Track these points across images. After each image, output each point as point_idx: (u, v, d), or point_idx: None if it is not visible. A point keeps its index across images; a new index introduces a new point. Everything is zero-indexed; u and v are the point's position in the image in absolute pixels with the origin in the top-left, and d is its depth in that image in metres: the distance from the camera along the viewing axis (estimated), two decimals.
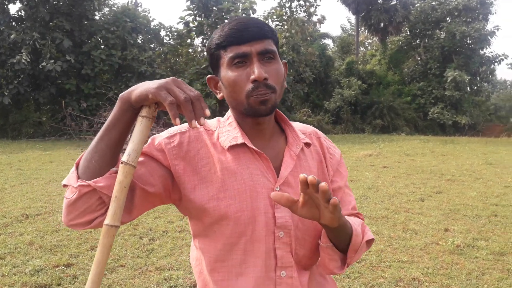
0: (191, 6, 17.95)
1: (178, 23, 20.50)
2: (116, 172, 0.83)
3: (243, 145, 0.96)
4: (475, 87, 22.54)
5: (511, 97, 30.94)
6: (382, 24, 24.22)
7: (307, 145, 1.04)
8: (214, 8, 17.61)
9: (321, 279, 1.06)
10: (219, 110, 15.68)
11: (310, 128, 1.12)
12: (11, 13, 16.66)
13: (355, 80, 21.01)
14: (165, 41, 19.93)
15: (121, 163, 0.80)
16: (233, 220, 0.93)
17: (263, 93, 0.91)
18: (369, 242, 1.01)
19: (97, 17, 17.88)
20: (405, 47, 24.41)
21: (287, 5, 19.82)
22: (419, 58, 24.11)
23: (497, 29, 21.92)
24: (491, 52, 22.66)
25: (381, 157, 10.55)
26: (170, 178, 0.95)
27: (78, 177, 0.85)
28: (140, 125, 0.81)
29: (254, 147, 0.96)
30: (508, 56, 22.89)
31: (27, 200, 5.51)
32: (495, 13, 37.61)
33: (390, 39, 25.25)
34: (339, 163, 1.10)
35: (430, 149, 12.58)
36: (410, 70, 23.82)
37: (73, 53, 16.07)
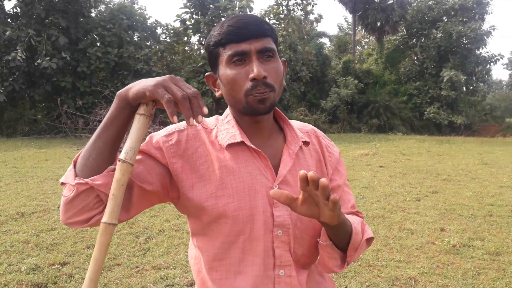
0: (188, 4, 17.89)
1: (174, 21, 20.42)
2: (114, 170, 0.82)
3: (242, 143, 0.96)
4: (471, 87, 22.63)
5: (506, 97, 31.13)
6: (379, 23, 24.25)
7: (306, 143, 1.04)
8: (211, 6, 17.56)
9: (320, 278, 1.06)
10: (215, 108, 15.66)
11: (308, 126, 1.12)
12: (6, 10, 16.55)
13: (352, 79, 21.03)
14: (161, 39, 19.87)
15: (119, 161, 0.80)
16: (232, 219, 0.93)
17: (262, 91, 0.90)
18: (369, 240, 1.01)
19: (93, 14, 17.80)
20: (401, 46, 24.46)
21: (284, 3, 19.80)
22: (415, 58, 24.17)
23: (493, 29, 22.00)
24: (487, 52, 22.75)
25: (378, 157, 10.58)
26: (168, 176, 0.94)
27: (76, 175, 0.84)
28: (137, 123, 0.81)
29: (252, 146, 0.95)
30: (504, 56, 23.02)
31: (22, 198, 5.48)
32: (491, 13, 37.82)
33: (386, 38, 25.29)
34: (338, 162, 1.09)
35: (426, 149, 12.62)
36: (407, 69, 23.88)
37: (68, 51, 15.98)
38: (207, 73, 1.02)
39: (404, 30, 24.59)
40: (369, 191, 6.30)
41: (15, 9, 16.50)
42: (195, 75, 16.71)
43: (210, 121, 1.03)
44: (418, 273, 3.30)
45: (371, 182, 7.08)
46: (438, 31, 22.67)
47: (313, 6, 20.57)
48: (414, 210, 5.23)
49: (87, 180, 0.82)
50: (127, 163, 0.80)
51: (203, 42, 18.80)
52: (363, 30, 26.94)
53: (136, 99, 0.80)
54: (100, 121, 14.52)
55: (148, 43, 19.26)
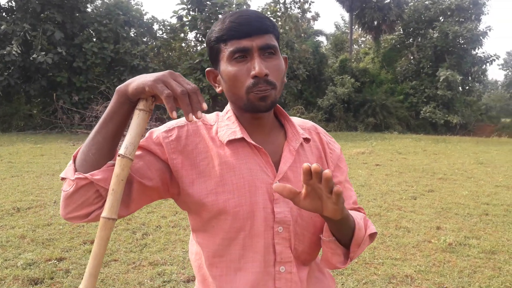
0: (185, 0, 17.83)
1: (171, 17, 20.40)
2: (113, 165, 0.82)
3: (242, 139, 0.95)
4: (467, 87, 22.75)
5: (502, 98, 31.31)
6: (375, 22, 24.27)
7: (306, 140, 1.03)
8: (208, 2, 17.51)
9: (320, 275, 1.06)
10: (212, 105, 15.64)
11: (309, 123, 1.12)
12: (1, 4, 16.48)
13: (348, 78, 21.05)
14: (158, 35, 19.81)
15: (118, 156, 0.80)
16: (232, 215, 0.92)
17: (263, 89, 0.90)
18: (372, 236, 1.00)
19: (89, 10, 17.70)
20: (398, 45, 24.51)
21: (281, 1, 19.78)
22: (412, 57, 24.24)
23: (489, 30, 22.10)
24: (483, 53, 22.88)
25: (374, 155, 10.61)
26: (168, 172, 0.94)
27: (75, 170, 0.84)
28: (137, 118, 0.81)
29: (253, 142, 0.95)
30: (499, 57, 23.19)
31: (18, 193, 5.45)
32: (488, 13, 37.87)
33: (383, 37, 25.34)
34: (339, 158, 1.09)
35: (422, 148, 12.67)
36: (403, 69, 23.95)
37: (64, 46, 15.89)
38: (208, 69, 1.01)
39: (401, 30, 24.64)
40: (365, 189, 6.32)
41: (10, 3, 16.39)
42: (191, 71, 16.67)
43: (211, 117, 1.03)
44: (415, 271, 3.31)
45: (368, 180, 7.10)
46: (435, 31, 22.74)
47: (310, 4, 20.59)
48: (410, 208, 5.26)
49: (87, 175, 0.82)
50: (127, 158, 0.79)
51: (200, 39, 18.76)
52: (360, 29, 26.98)
53: (135, 94, 0.80)
54: (96, 117, 14.53)
55: (145, 39, 19.20)
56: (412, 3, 24.10)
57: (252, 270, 0.94)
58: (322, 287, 1.04)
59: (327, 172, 0.75)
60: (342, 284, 3.09)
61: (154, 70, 16.25)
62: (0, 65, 14.99)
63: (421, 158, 10.29)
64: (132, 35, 18.07)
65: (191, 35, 19.65)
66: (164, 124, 0.99)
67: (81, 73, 16.40)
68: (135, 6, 18.64)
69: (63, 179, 0.85)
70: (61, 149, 10.40)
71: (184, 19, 18.27)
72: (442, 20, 22.76)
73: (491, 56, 22.48)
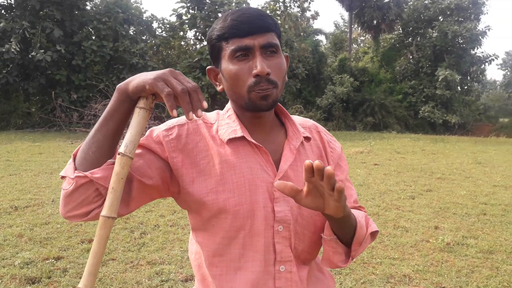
0: None
1: (170, 15, 20.38)
2: (113, 163, 0.82)
3: (242, 138, 0.95)
4: (466, 87, 22.76)
5: (500, 98, 31.36)
6: (375, 22, 24.27)
7: (307, 139, 1.03)
8: (208, 1, 17.48)
9: (320, 274, 1.06)
10: (211, 104, 15.62)
11: (310, 122, 1.11)
12: (0, 1, 16.37)
13: (347, 77, 21.05)
14: (157, 33, 19.78)
15: (118, 154, 0.80)
16: (232, 214, 0.92)
17: (265, 88, 0.89)
18: (374, 234, 1.00)
19: (88, 7, 17.66)
20: (397, 45, 24.52)
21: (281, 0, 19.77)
22: (411, 57, 24.25)
23: (488, 29, 22.12)
24: (482, 52, 22.86)
25: (372, 155, 10.62)
26: (168, 170, 0.94)
27: (75, 168, 0.83)
28: (137, 116, 0.81)
29: (253, 141, 0.95)
30: (498, 57, 23.17)
31: (16, 192, 5.44)
32: (487, 13, 37.90)
33: (382, 36, 25.34)
34: (340, 157, 1.09)
35: (420, 148, 12.69)
36: (402, 68, 23.96)
37: (63, 43, 15.85)
38: (209, 67, 1.00)
39: (400, 29, 24.64)
40: (363, 189, 6.32)
41: (9, 1, 16.33)
42: (190, 70, 16.65)
43: (211, 115, 1.02)
44: (413, 271, 3.32)
45: (366, 180, 7.10)
46: (434, 30, 22.75)
47: (309, 3, 20.59)
48: (408, 208, 5.26)
49: (86, 173, 0.81)
50: (127, 156, 0.79)
51: (199, 37, 18.73)
52: (359, 28, 26.98)
53: (135, 92, 0.80)
54: (94, 115, 14.50)
55: (144, 37, 19.17)
56: (411, 3, 24.10)
57: (252, 269, 0.94)
58: (322, 286, 1.04)
59: (329, 168, 0.74)
60: (340, 284, 3.09)
61: (153, 69, 16.23)
62: None
63: (419, 158, 10.30)
64: (131, 33, 18.03)
65: (190, 34, 19.63)
66: (164, 123, 0.99)
67: (80, 71, 16.36)
68: (135, 4, 18.59)
69: (63, 177, 0.85)
70: (59, 147, 10.38)
71: (184, 17, 18.24)
72: (442, 19, 22.77)
73: (490, 56, 22.51)
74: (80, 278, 2.98)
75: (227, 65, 0.92)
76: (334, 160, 1.07)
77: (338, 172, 1.07)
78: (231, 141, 0.95)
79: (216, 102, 16.43)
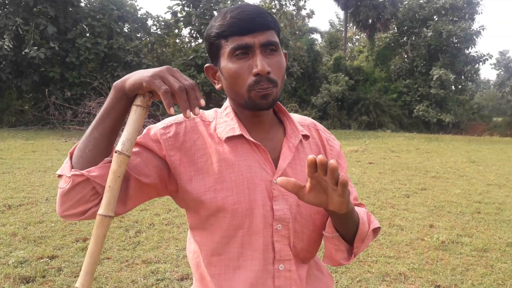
0: None
1: (165, 13, 20.23)
2: (110, 161, 0.81)
3: (241, 136, 0.94)
4: (460, 86, 22.90)
5: (494, 97, 31.59)
6: (370, 21, 24.33)
7: (306, 137, 1.02)
8: None
9: (318, 273, 1.05)
10: (206, 102, 15.57)
11: (308, 120, 1.11)
12: None
13: (343, 76, 21.10)
14: (152, 30, 19.69)
15: (115, 152, 0.79)
16: (230, 212, 0.91)
17: (265, 87, 0.88)
18: (376, 231, 1.00)
19: (82, 4, 17.51)
20: (392, 44, 24.61)
21: None
22: (405, 56, 24.36)
23: (483, 29, 22.27)
24: (476, 52, 23.07)
25: (367, 153, 10.65)
26: (166, 169, 0.93)
27: (72, 167, 0.83)
28: (134, 114, 0.80)
29: (251, 139, 0.94)
30: (492, 56, 23.34)
31: (9, 190, 5.39)
32: (481, 13, 38.22)
33: (377, 35, 25.42)
34: (339, 155, 1.09)
35: (415, 146, 12.75)
36: (397, 67, 24.06)
37: (57, 40, 15.73)
38: (207, 65, 0.99)
39: (395, 28, 24.73)
40: (359, 187, 6.34)
41: None
42: (185, 68, 16.59)
43: (209, 113, 1.01)
44: (408, 269, 3.33)
45: (361, 178, 7.12)
46: (429, 29, 22.85)
47: (305, 2, 20.62)
48: (403, 206, 5.28)
49: (83, 171, 0.80)
50: (124, 154, 0.78)
51: (194, 35, 18.67)
52: (354, 27, 27.02)
53: (132, 90, 0.79)
54: (88, 113, 14.41)
55: (139, 35, 19.07)
56: (406, 2, 24.19)
57: (251, 268, 0.93)
58: (320, 285, 1.04)
59: (332, 162, 0.73)
60: (337, 282, 3.09)
61: (148, 66, 16.15)
62: None
63: (414, 157, 10.35)
64: (126, 31, 17.94)
65: (185, 31, 19.63)
66: (161, 121, 0.98)
67: (74, 69, 16.25)
68: (129, 1, 18.50)
69: (59, 176, 0.84)
70: (53, 145, 10.30)
71: (179, 15, 18.17)
72: (436, 19, 22.89)
73: (484, 55, 22.67)
74: (75, 277, 2.97)
75: (226, 64, 0.91)
76: (333, 158, 1.06)
77: None
78: (229, 139, 0.94)
79: (211, 100, 16.40)
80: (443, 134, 19.37)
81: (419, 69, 22.67)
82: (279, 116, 1.05)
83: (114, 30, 16.77)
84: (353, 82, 21.51)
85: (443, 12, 22.62)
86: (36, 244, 3.58)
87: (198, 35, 18.22)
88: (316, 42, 26.17)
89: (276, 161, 0.96)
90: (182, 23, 18.44)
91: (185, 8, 17.98)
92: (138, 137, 0.90)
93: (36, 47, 14.83)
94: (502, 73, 29.07)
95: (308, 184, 0.80)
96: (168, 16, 18.83)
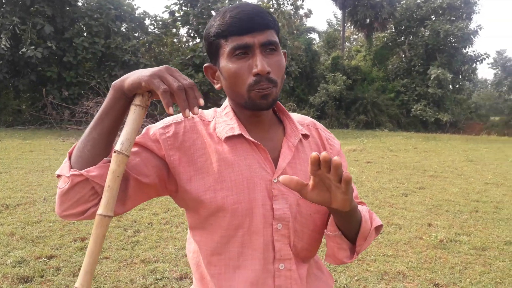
0: None
1: (163, 12, 20.25)
2: (109, 161, 0.81)
3: (240, 136, 0.94)
4: (457, 85, 22.97)
5: (491, 96, 31.68)
6: (368, 20, 24.36)
7: (305, 136, 1.02)
8: None
9: (318, 272, 1.05)
10: (204, 103, 15.56)
11: (308, 119, 1.10)
12: None
13: (340, 75, 21.12)
14: (149, 30, 19.64)
15: (114, 152, 0.79)
16: (230, 212, 0.91)
17: (265, 87, 0.88)
18: (378, 229, 0.99)
19: (79, 3, 17.45)
20: (390, 43, 24.64)
21: None
22: (403, 55, 24.40)
23: (480, 29, 22.32)
24: (474, 51, 23.12)
25: (365, 153, 10.67)
26: (165, 169, 0.92)
27: (71, 167, 0.82)
28: (133, 113, 0.80)
29: (251, 138, 0.94)
30: (489, 56, 23.39)
31: (6, 190, 5.37)
32: (479, 12, 38.30)
33: (375, 35, 25.45)
34: (339, 154, 1.08)
35: (412, 145, 12.77)
36: (394, 66, 24.10)
37: (54, 40, 15.67)
38: (206, 64, 0.99)
39: (393, 28, 24.77)
40: (357, 187, 6.35)
41: None
42: (183, 67, 16.56)
43: (208, 113, 1.01)
44: (407, 268, 3.34)
45: (359, 177, 7.13)
46: (426, 29, 22.90)
47: (303, 1, 20.61)
48: (401, 205, 5.29)
49: (82, 171, 0.80)
50: (123, 154, 0.78)
51: (192, 34, 18.64)
52: (352, 27, 27.06)
53: (131, 89, 0.79)
54: (86, 113, 14.36)
55: (136, 34, 19.02)
56: (404, 2, 24.24)
57: (251, 268, 0.93)
58: (320, 284, 1.04)
59: (336, 159, 0.73)
60: (335, 281, 3.09)
61: (145, 66, 16.11)
62: None
63: (412, 156, 10.37)
64: (124, 30, 17.89)
65: (183, 31, 19.62)
66: (161, 121, 0.98)
67: (71, 68, 16.19)
68: (127, 1, 18.43)
69: (58, 176, 0.84)
70: (50, 145, 10.27)
71: (176, 14, 18.13)
72: (434, 18, 22.93)
73: (481, 55, 22.73)
74: (74, 276, 2.96)
75: (226, 63, 0.90)
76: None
77: None
78: (229, 139, 0.94)
79: (209, 99, 16.39)
80: (441, 133, 19.41)
81: (416, 68, 22.71)
82: (278, 115, 1.04)
83: (112, 30, 16.73)
84: (351, 82, 21.53)
85: (440, 11, 22.66)
86: (34, 244, 3.56)
87: (195, 35, 18.19)
88: (314, 42, 26.15)
89: (276, 161, 0.96)
90: (179, 23, 18.40)
91: (183, 8, 17.94)
92: (137, 137, 0.90)
93: (33, 47, 14.78)
94: (499, 72, 29.13)
95: (311, 182, 0.79)
96: (166, 16, 18.83)
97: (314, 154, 0.74)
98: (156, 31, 19.57)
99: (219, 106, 1.04)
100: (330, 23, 33.74)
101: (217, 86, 0.98)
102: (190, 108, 0.76)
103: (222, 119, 0.97)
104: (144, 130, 0.96)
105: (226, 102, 1.00)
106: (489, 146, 13.61)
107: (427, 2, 23.06)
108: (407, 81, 22.42)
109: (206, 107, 0.94)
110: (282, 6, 19.91)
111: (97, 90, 15.21)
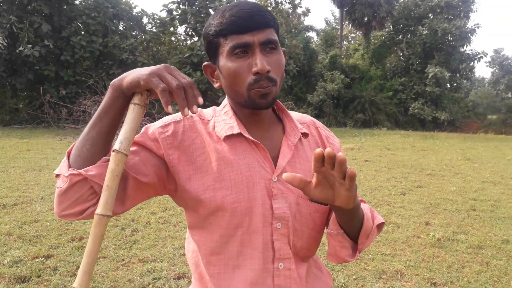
0: None
1: (161, 11, 20.10)
2: (108, 161, 0.80)
3: (240, 135, 0.94)
4: (455, 84, 23.03)
5: (488, 95, 31.76)
6: (366, 19, 24.38)
7: (305, 135, 1.02)
8: None
9: (318, 272, 1.05)
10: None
11: (307, 117, 1.10)
12: None
13: (338, 74, 21.13)
14: (147, 28, 19.58)
15: (113, 151, 0.78)
16: (230, 211, 0.91)
17: (265, 86, 0.88)
18: (380, 226, 0.99)
19: (77, 2, 17.38)
20: (388, 42, 24.66)
21: None
22: (401, 54, 24.42)
23: (478, 27, 22.38)
24: (471, 50, 23.16)
25: (363, 151, 10.68)
26: (164, 168, 0.92)
27: (69, 166, 0.82)
28: (132, 112, 0.80)
29: (250, 137, 0.93)
30: (487, 54, 23.44)
31: (4, 189, 5.35)
32: (476, 11, 38.34)
33: (373, 34, 25.46)
34: (339, 152, 1.08)
35: (410, 144, 12.79)
36: (392, 65, 24.12)
37: (52, 38, 15.61)
38: (205, 63, 0.98)
39: (391, 26, 24.80)
40: None
41: None
42: (181, 66, 16.53)
43: (207, 112, 1.01)
44: (404, 266, 3.34)
45: (357, 176, 7.12)
46: (424, 27, 22.93)
47: (301, 0, 20.53)
48: (399, 204, 5.30)
49: (81, 171, 0.80)
50: (121, 153, 0.78)
51: (189, 33, 18.59)
52: (350, 25, 27.05)
53: (130, 88, 0.79)
54: (84, 111, 14.32)
55: (134, 33, 18.97)
56: (402, 0, 24.24)
57: (251, 267, 0.93)
58: (320, 283, 1.04)
59: (341, 155, 0.73)
60: (333, 280, 3.09)
61: (143, 64, 16.08)
62: None
63: (409, 154, 10.39)
64: (121, 29, 17.84)
65: (181, 29, 19.52)
66: (160, 120, 0.97)
67: (68, 67, 16.13)
68: None
69: (57, 175, 0.83)
70: (48, 144, 10.24)
71: (174, 12, 18.10)
72: (432, 17, 22.96)
73: (479, 53, 22.79)
74: (71, 276, 2.95)
75: (225, 62, 0.90)
76: None
77: None
78: (228, 137, 0.93)
79: (207, 98, 16.37)
80: (438, 131, 19.46)
81: (414, 67, 22.75)
82: (278, 114, 1.04)
83: (109, 28, 16.68)
84: (349, 80, 21.54)
85: (438, 10, 22.69)
86: (31, 244, 3.55)
87: (193, 33, 18.15)
88: (312, 40, 26.16)
89: (275, 160, 0.96)
90: (177, 21, 18.37)
91: (181, 6, 17.90)
92: (136, 136, 0.89)
93: (30, 45, 14.71)
94: (496, 71, 29.21)
95: (314, 179, 0.79)
96: (164, 14, 18.77)
97: (319, 150, 0.73)
98: (154, 30, 19.51)
99: (217, 104, 1.03)
100: (328, 22, 33.74)
101: (216, 85, 0.97)
102: (189, 107, 0.76)
103: (222, 118, 0.97)
104: (143, 129, 0.95)
105: (226, 101, 1.00)
106: (487, 144, 13.65)
107: (425, 0, 23.10)
108: (405, 80, 22.45)
109: (204, 105, 0.93)
110: (280, 4, 19.87)
111: (94, 89, 15.16)
